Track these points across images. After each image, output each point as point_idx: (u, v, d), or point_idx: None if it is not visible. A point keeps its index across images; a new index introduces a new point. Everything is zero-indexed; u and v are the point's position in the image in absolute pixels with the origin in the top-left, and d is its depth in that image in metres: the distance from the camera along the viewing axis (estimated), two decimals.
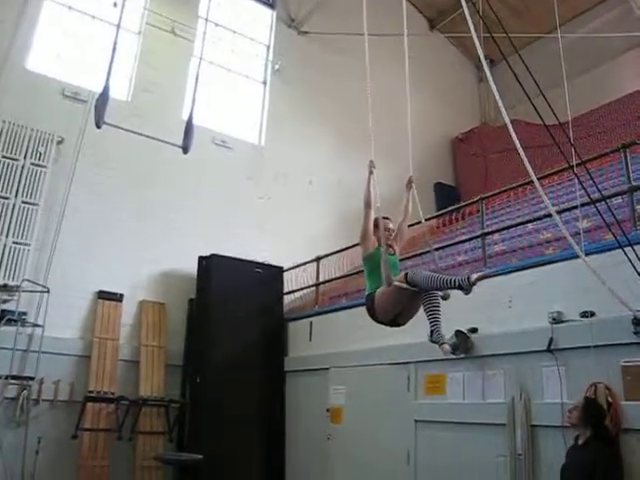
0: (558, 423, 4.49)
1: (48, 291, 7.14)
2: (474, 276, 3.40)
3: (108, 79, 3.36)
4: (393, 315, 3.87)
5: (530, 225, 6.34)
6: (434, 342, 3.89)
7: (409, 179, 4.58)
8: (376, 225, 4.03)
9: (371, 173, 4.11)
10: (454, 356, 5.58)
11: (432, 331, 3.84)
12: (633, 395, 4.16)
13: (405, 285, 3.61)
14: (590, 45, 10.48)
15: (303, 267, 8.91)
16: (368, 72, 4.24)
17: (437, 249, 7.29)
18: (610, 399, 4.22)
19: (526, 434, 4.82)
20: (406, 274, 3.65)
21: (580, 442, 4.04)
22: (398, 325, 3.97)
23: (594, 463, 3.80)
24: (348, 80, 10.82)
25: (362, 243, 4.14)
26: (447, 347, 3.91)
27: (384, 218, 4.06)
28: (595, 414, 4.05)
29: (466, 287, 3.42)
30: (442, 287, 3.58)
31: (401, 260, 6.18)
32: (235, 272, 8.27)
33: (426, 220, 8.46)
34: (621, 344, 4.28)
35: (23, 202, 7.22)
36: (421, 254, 7.23)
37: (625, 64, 11.00)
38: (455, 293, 5.81)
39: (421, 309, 3.92)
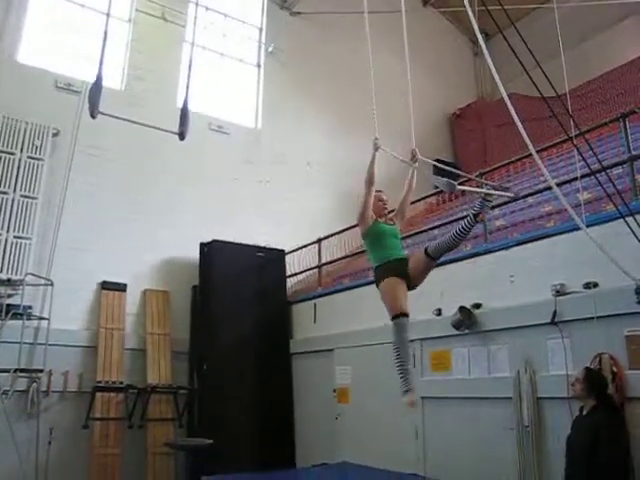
0: (564, 395, 4.53)
1: (52, 284, 7.15)
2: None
3: (101, 68, 3.30)
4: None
5: (530, 199, 6.32)
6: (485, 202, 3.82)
7: (412, 152, 4.16)
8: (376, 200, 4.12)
9: (376, 150, 3.90)
10: (458, 332, 5.63)
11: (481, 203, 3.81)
12: (638, 364, 4.19)
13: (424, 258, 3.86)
14: (587, 14, 10.30)
15: (305, 249, 8.92)
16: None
17: (437, 227, 7.36)
18: (615, 369, 4.25)
19: (532, 406, 4.87)
20: (426, 249, 3.88)
21: (584, 412, 4.08)
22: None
23: (598, 431, 3.83)
24: (342, 59, 10.71)
25: (361, 221, 4.06)
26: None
27: (378, 191, 4.15)
28: (597, 384, 4.08)
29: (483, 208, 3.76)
30: (463, 234, 3.78)
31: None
32: (237, 257, 8.27)
33: (426, 198, 8.62)
34: (625, 314, 4.30)
35: (22, 196, 7.19)
36: (419, 232, 7.28)
37: (624, 31, 10.83)
38: (455, 270, 5.86)
39: None
